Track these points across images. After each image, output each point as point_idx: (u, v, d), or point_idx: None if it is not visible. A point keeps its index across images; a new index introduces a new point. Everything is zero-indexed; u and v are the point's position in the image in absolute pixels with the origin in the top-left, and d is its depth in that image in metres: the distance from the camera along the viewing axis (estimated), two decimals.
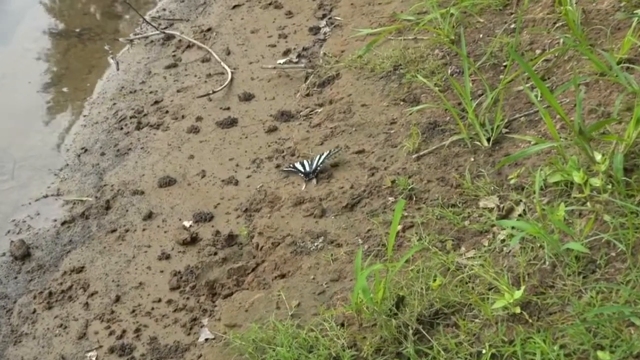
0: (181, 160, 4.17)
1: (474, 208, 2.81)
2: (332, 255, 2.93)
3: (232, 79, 4.99)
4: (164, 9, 6.39)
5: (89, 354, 2.99)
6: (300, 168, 3.62)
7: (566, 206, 2.36)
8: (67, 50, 5.86)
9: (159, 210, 3.77)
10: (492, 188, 2.84)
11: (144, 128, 4.58)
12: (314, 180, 3.53)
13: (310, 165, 3.60)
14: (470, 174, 2.98)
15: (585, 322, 2.00)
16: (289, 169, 3.69)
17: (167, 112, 4.72)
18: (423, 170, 3.22)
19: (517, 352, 2.04)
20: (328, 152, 3.62)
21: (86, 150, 4.47)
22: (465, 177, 2.97)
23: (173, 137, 4.43)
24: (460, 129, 3.22)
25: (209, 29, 5.79)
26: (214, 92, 4.80)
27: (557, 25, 3.64)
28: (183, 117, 4.63)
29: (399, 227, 2.86)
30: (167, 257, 3.43)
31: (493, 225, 2.64)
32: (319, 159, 3.59)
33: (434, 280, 2.42)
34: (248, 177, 3.91)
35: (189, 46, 5.61)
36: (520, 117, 3.24)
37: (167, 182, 3.96)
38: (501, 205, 2.72)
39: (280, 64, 5.04)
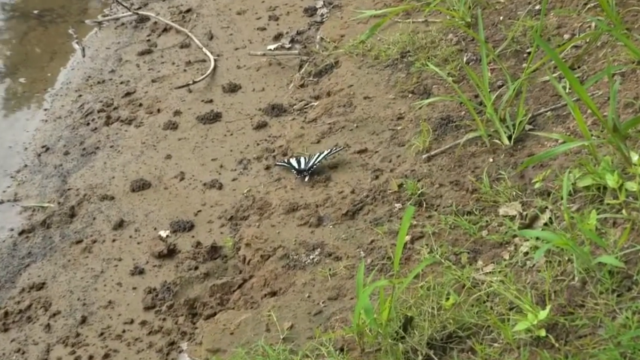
0: (157, 161, 4.18)
1: (493, 216, 2.82)
2: (330, 270, 2.94)
3: (215, 68, 4.99)
4: None
5: None
6: (295, 164, 3.64)
7: (598, 214, 2.37)
8: (25, 34, 5.87)
9: (132, 218, 3.77)
10: (514, 193, 2.85)
11: (114, 123, 4.59)
12: (306, 178, 3.56)
13: (307, 162, 3.62)
14: (489, 177, 2.99)
15: (620, 346, 2.01)
16: (282, 163, 3.71)
17: (140, 105, 4.73)
18: (434, 172, 3.23)
19: None
20: (329, 150, 3.64)
21: (47, 149, 4.47)
22: (482, 180, 2.98)
23: (147, 134, 4.43)
24: (477, 125, 3.24)
25: (188, 10, 5.81)
26: (194, 82, 4.81)
27: (588, 6, 3.66)
28: (159, 111, 4.64)
29: (407, 238, 2.87)
30: (141, 272, 3.43)
31: (515, 236, 2.65)
32: (318, 157, 3.60)
33: (447, 298, 2.43)
34: (233, 180, 3.92)
35: (166, 29, 5.62)
36: (546, 111, 3.25)
37: (141, 186, 3.97)
38: (524, 213, 2.73)
39: (270, 50, 5.06)
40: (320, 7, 5.44)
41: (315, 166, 3.58)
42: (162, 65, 5.17)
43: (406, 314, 2.42)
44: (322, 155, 3.60)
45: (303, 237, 3.20)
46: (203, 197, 3.84)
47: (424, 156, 3.36)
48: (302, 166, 3.62)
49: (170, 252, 3.49)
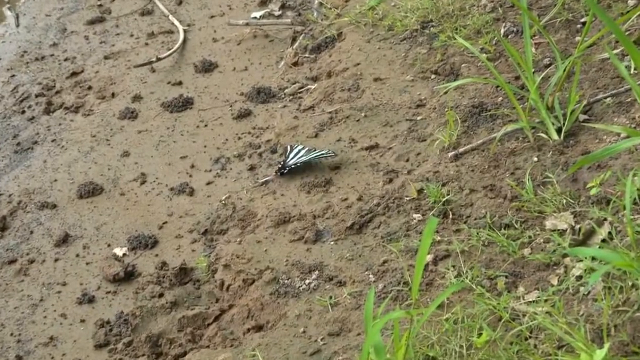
0: (111, 159, 4.19)
1: (538, 230, 2.83)
2: (331, 298, 2.95)
3: (185, 41, 5.01)
4: None
5: None
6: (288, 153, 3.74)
7: None
8: None
9: (79, 231, 3.79)
10: (564, 201, 2.87)
11: (57, 111, 4.60)
12: (285, 171, 3.67)
13: (287, 157, 3.68)
14: (533, 181, 3.00)
15: None
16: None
17: (89, 88, 4.75)
18: (464, 174, 3.25)
19: None
20: (317, 152, 3.65)
21: None
22: (525, 185, 3.00)
23: (99, 124, 4.45)
24: (518, 114, 3.25)
25: None
26: (158, 59, 4.83)
27: None
28: (113, 95, 4.66)
29: (429, 258, 2.89)
30: (91, 299, 3.44)
31: (565, 255, 2.66)
32: (298, 154, 3.65)
33: (479, 334, 2.44)
34: (208, 183, 3.94)
35: None
36: (605, 97, 3.27)
37: (91, 191, 3.98)
38: (577, 227, 2.74)
39: (255, 18, 5.07)
40: None
41: (294, 166, 3.64)
42: (118, 38, 5.18)
43: (427, 354, 2.44)
44: (313, 154, 3.63)
45: (297, 256, 3.22)
46: (170, 205, 3.86)
47: (450, 154, 3.37)
48: (287, 159, 3.68)
49: (128, 275, 3.50)
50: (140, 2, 5.47)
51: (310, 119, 4.02)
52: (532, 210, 2.91)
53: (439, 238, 2.97)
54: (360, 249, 3.14)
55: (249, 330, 3.05)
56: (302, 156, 3.66)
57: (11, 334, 3.34)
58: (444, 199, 3.12)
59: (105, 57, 5.00)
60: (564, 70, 3.24)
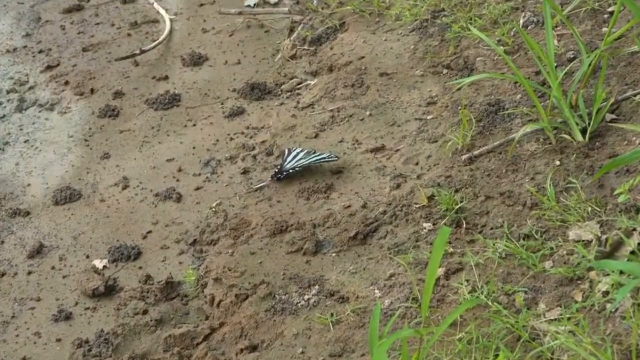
0: (90, 162, 4.19)
1: (560, 241, 2.83)
2: (332, 315, 2.95)
3: (171, 31, 5.01)
4: None
5: None
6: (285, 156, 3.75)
7: None
8: None
9: (55, 241, 3.78)
10: (590, 209, 2.87)
11: (30, 109, 4.60)
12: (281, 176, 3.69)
13: (284, 161, 3.68)
14: (555, 187, 3.01)
15: None
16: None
17: (66, 83, 4.75)
18: (479, 179, 3.25)
19: None
20: (317, 155, 3.66)
21: None
22: (546, 191, 3.00)
23: (77, 123, 4.45)
24: (539, 113, 3.26)
25: None
26: (142, 51, 4.83)
27: None
28: (93, 91, 4.65)
29: (440, 271, 2.89)
30: (68, 316, 3.44)
31: (590, 269, 2.67)
32: (296, 156, 3.66)
33: (496, 355, 2.45)
34: (197, 189, 3.94)
35: None
36: (635, 95, 3.27)
37: (68, 197, 3.98)
38: (603, 237, 2.75)
39: (249, 6, 5.08)
40: None
41: (292, 171, 3.64)
42: (97, 28, 5.18)
43: None
44: (305, 159, 3.63)
45: (295, 269, 3.22)
46: (155, 212, 3.86)
47: (464, 157, 3.38)
48: (284, 163, 3.68)
49: (109, 290, 3.50)
50: None
51: (309, 118, 4.02)
52: (554, 219, 2.91)
53: (451, 249, 2.98)
54: (364, 261, 3.15)
55: (242, 350, 3.05)
56: (300, 159, 3.66)
57: None
58: (457, 207, 3.13)
59: (84, 49, 5.01)
60: (590, 65, 3.25)
